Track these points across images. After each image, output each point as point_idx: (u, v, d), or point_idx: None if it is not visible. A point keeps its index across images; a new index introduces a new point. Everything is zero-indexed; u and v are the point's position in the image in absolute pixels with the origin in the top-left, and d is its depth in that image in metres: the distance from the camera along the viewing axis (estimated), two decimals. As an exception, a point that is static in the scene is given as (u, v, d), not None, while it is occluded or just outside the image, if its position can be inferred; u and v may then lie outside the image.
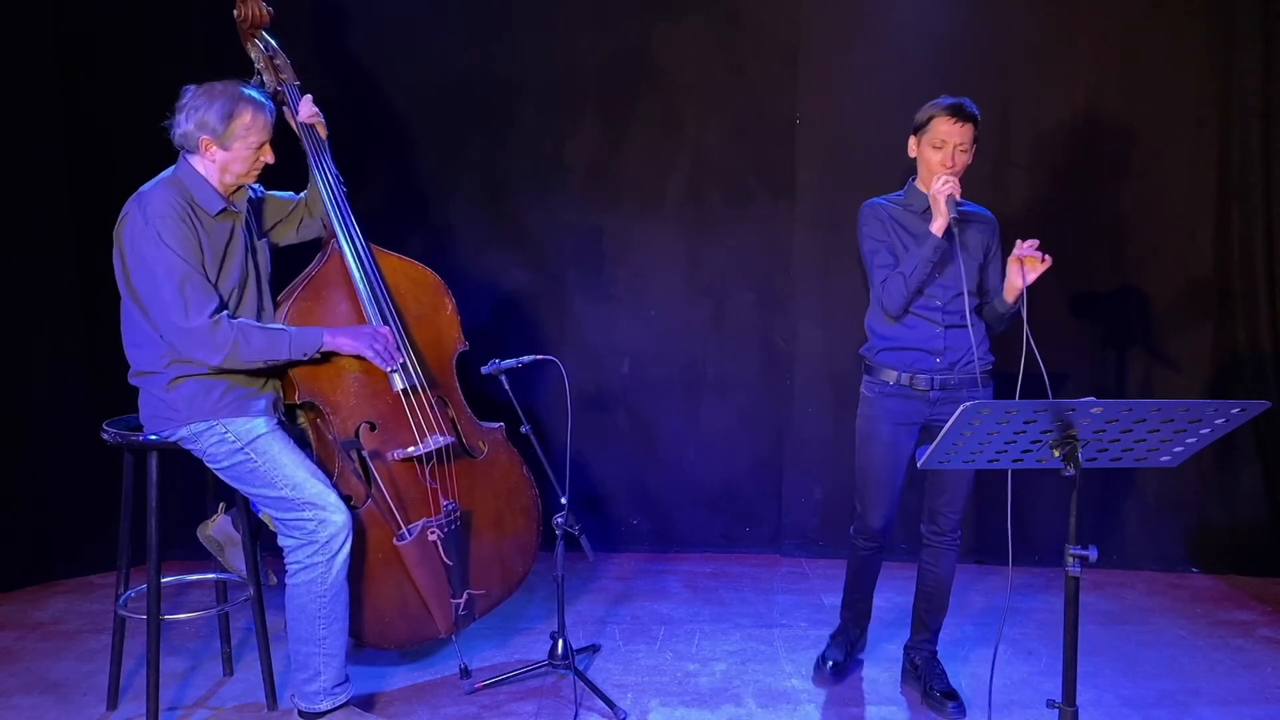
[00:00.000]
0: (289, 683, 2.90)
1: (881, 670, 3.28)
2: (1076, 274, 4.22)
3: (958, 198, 2.77)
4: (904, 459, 2.96)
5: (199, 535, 2.99)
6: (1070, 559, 2.14)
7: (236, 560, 2.98)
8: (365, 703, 3.01)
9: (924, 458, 2.18)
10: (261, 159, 2.81)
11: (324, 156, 3.06)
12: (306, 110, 3.06)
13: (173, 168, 2.78)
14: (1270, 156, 4.09)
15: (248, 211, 2.87)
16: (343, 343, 2.85)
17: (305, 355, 2.80)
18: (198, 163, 2.75)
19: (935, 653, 3.13)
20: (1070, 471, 2.12)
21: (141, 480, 2.85)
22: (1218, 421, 2.09)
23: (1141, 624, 3.71)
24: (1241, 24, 4.05)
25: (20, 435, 3.97)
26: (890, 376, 2.93)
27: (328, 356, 2.89)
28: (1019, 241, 2.72)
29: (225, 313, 2.71)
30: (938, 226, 2.77)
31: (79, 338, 4.09)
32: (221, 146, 2.73)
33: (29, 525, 4.02)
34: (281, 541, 2.79)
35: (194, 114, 2.71)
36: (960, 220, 2.80)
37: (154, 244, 2.62)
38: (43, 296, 4.01)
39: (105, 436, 2.85)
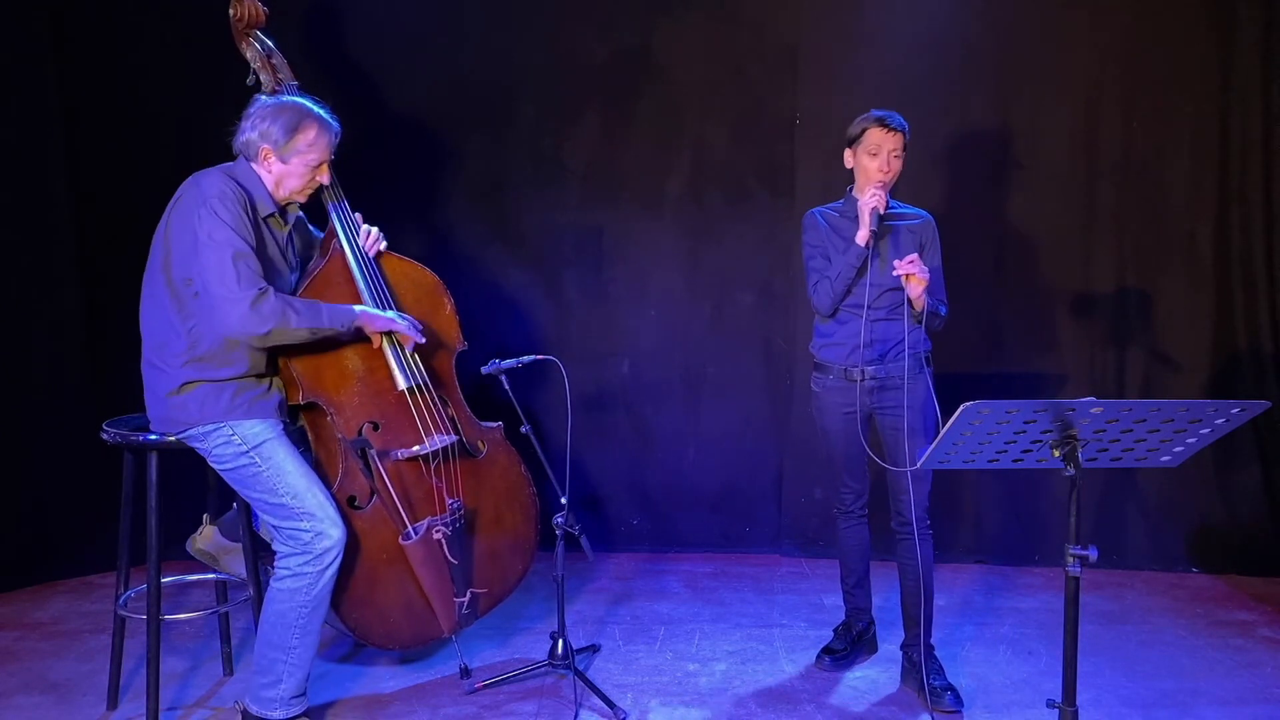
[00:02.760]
0: (246, 684, 2.83)
1: (881, 670, 3.28)
2: (1076, 274, 4.22)
3: (881, 211, 2.98)
4: (857, 440, 3.13)
5: (189, 549, 2.99)
6: (1070, 559, 2.14)
7: (235, 565, 2.98)
8: (321, 711, 2.96)
9: (923, 458, 2.19)
10: (317, 179, 2.83)
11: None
12: (369, 241, 3.05)
13: (230, 164, 2.79)
14: (1270, 157, 4.10)
15: (291, 230, 2.89)
16: (375, 316, 2.88)
17: (344, 327, 2.81)
18: (256, 168, 2.77)
19: (931, 648, 3.17)
20: (1070, 471, 2.13)
21: (141, 480, 2.85)
22: (1218, 421, 2.09)
23: (1141, 624, 3.70)
24: (1241, 24, 4.05)
25: (20, 435, 3.97)
26: (831, 369, 3.15)
27: (334, 352, 2.90)
28: (895, 261, 2.92)
29: (270, 288, 2.68)
30: (861, 237, 2.99)
31: (79, 338, 4.09)
32: (280, 159, 2.75)
33: (29, 525, 4.02)
34: (275, 546, 2.78)
35: (259, 123, 2.74)
36: (886, 230, 3.05)
37: (211, 218, 2.61)
38: (43, 297, 4.01)
39: (105, 436, 2.85)
